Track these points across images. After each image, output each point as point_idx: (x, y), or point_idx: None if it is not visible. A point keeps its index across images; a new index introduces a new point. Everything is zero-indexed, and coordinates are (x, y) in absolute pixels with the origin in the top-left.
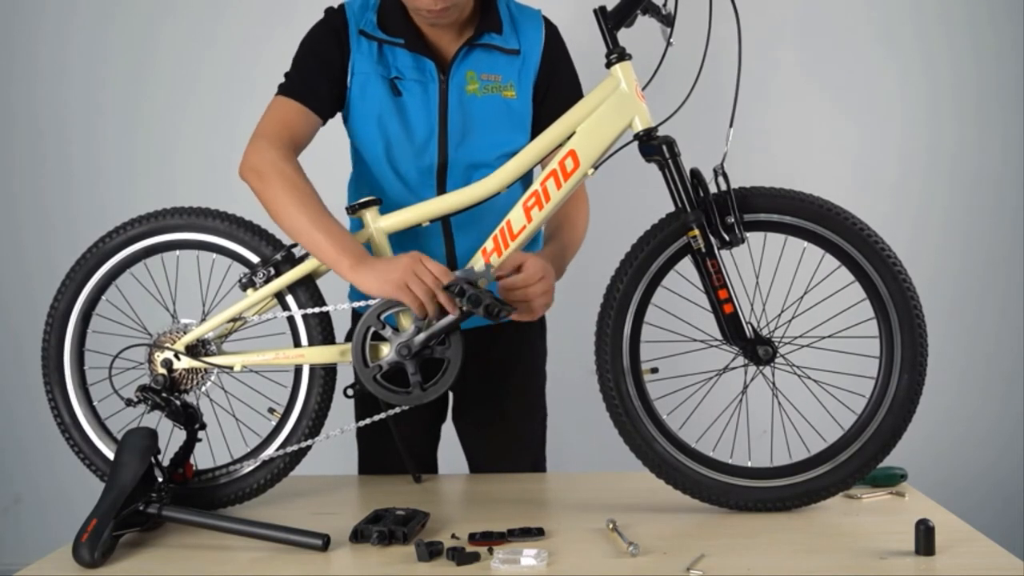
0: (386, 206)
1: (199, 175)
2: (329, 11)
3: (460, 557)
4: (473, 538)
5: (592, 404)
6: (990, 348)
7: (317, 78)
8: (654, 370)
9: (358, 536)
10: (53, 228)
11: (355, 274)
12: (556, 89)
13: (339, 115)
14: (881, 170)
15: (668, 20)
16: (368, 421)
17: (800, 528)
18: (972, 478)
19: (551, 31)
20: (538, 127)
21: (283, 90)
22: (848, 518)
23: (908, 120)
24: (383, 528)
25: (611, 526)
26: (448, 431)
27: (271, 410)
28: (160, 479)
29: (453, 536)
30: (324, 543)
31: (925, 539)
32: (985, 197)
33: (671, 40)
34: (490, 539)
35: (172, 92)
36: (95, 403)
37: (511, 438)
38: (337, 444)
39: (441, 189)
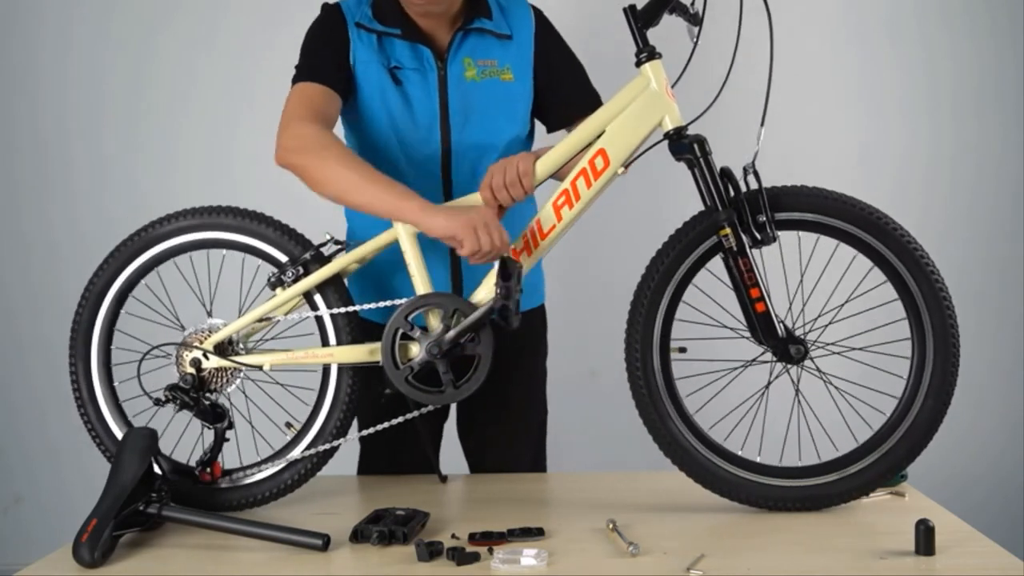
0: None
1: (202, 176)
2: (325, 6)
3: (460, 557)
4: (473, 538)
5: (592, 404)
6: (990, 348)
7: (329, 61)
8: (682, 349)
9: (358, 536)
10: (56, 232)
11: (424, 214)
12: (556, 69)
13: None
14: (881, 171)
15: (696, 19)
16: (397, 421)
17: (800, 528)
18: (972, 478)
19: (538, 14)
20: (548, 110)
21: (299, 78)
22: (848, 518)
23: (909, 120)
24: (383, 528)
25: (611, 526)
26: (447, 429)
27: (288, 424)
28: (160, 479)
29: (453, 536)
30: (324, 543)
31: (925, 539)
32: (986, 197)
33: (698, 39)
34: (490, 539)
35: (174, 94)
36: (115, 384)
37: (513, 432)
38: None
39: (447, 175)
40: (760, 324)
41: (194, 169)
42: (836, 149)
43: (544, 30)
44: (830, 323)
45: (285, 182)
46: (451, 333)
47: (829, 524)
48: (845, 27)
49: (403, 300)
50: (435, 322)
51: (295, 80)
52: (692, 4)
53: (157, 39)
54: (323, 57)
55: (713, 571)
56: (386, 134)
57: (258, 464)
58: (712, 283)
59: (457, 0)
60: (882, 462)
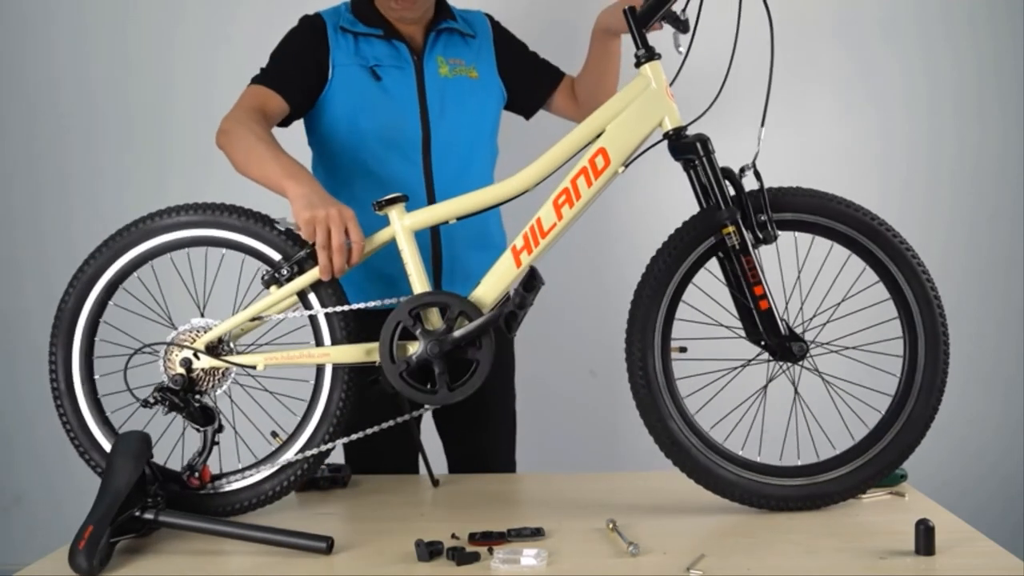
0: (385, 187)
1: (196, 173)
2: (305, 17)
3: (460, 557)
4: (473, 538)
5: (592, 404)
6: (991, 349)
7: (291, 70)
8: (682, 349)
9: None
10: (58, 229)
11: (292, 183)
12: (517, 62)
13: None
14: (881, 172)
15: (684, 27)
16: (391, 423)
17: (800, 528)
18: (972, 478)
19: (492, 21)
20: (524, 97)
21: (256, 80)
22: (848, 518)
23: (909, 120)
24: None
25: (611, 526)
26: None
27: (274, 434)
28: (155, 484)
29: (453, 536)
30: (328, 546)
31: (925, 539)
32: (987, 199)
33: (680, 49)
34: (490, 539)
35: (169, 94)
36: (96, 377)
37: (493, 430)
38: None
39: (427, 163)
40: (763, 322)
41: (186, 168)
42: (836, 150)
43: (499, 33)
44: (828, 322)
45: None
46: (457, 334)
47: (829, 524)
48: (845, 28)
49: (400, 298)
50: (436, 321)
51: (253, 79)
52: (683, 12)
53: (153, 42)
54: (291, 67)
55: (713, 571)
56: (367, 129)
57: (246, 468)
58: (712, 282)
59: (430, 9)
60: (878, 459)
